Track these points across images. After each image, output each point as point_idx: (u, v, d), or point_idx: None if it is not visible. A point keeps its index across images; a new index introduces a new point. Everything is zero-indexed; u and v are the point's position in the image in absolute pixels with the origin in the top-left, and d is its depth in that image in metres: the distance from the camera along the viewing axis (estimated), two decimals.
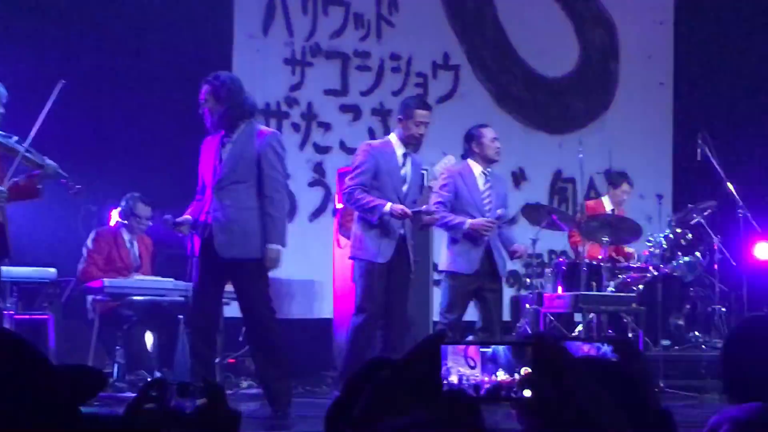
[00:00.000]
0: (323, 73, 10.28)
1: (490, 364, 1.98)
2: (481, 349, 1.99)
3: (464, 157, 7.75)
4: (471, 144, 7.70)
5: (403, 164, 7.06)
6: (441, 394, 1.91)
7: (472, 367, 1.97)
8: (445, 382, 1.95)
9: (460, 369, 1.98)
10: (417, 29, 10.63)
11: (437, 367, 1.91)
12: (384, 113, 10.28)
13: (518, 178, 11.06)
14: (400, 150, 7.07)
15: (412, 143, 7.08)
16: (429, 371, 1.90)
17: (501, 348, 1.98)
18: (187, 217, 6.43)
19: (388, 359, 2.35)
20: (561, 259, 9.43)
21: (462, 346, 2.00)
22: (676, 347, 9.35)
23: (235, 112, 6.37)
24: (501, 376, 1.97)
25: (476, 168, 7.62)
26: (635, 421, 2.08)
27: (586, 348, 2.67)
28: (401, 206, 6.85)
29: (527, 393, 1.90)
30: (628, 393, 2.28)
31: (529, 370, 1.91)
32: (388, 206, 6.82)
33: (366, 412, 2.01)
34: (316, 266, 9.47)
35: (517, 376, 1.94)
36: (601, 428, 1.85)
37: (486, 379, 1.97)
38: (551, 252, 10.34)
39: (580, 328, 8.45)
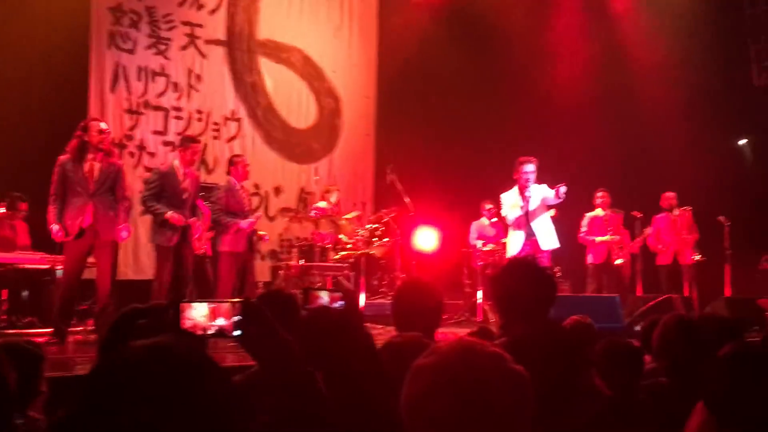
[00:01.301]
0: (151, 120, 9.80)
1: (212, 314, 1.83)
2: (209, 305, 1.83)
3: (229, 173, 7.70)
4: (230, 167, 7.74)
5: (183, 180, 6.90)
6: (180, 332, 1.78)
7: (203, 316, 1.82)
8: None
9: (194, 319, 1.83)
10: (213, 94, 10.45)
11: (177, 317, 1.80)
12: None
13: (278, 191, 11.03)
14: (180, 171, 6.92)
15: (192, 164, 6.99)
16: (173, 319, 1.80)
17: (225, 304, 1.82)
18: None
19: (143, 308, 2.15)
20: (302, 243, 9.12)
21: (195, 304, 1.82)
22: (373, 298, 9.43)
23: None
24: (221, 321, 1.83)
25: (237, 184, 7.48)
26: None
27: (323, 294, 2.60)
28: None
29: (237, 333, 1.79)
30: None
31: (239, 317, 1.78)
32: (169, 213, 6.69)
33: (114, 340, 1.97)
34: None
35: (231, 321, 1.82)
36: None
37: (211, 323, 1.82)
38: (297, 237, 9.89)
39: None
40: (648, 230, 10.01)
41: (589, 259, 9.84)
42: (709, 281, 9.82)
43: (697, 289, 9.64)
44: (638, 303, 8.05)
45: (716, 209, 10.09)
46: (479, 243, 9.98)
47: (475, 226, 10.41)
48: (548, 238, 7.70)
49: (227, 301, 1.82)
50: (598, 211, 9.86)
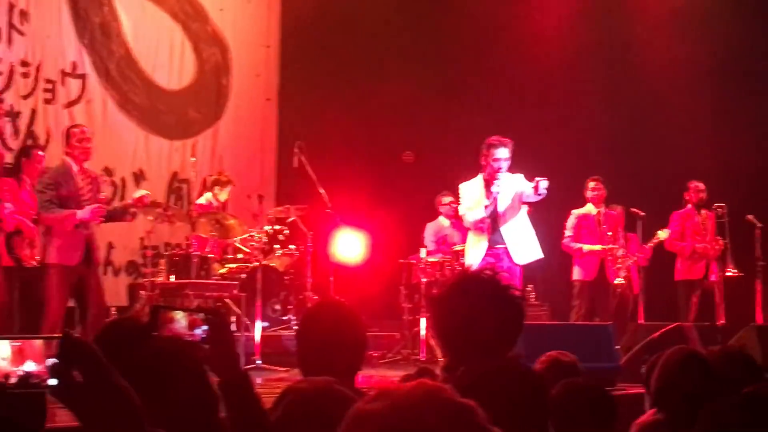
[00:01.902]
0: None
1: (19, 355, 1.81)
2: (11, 343, 1.79)
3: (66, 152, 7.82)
4: (66, 143, 7.78)
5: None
6: None
7: (4, 359, 1.77)
8: None
9: None
10: (46, 38, 10.22)
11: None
12: (14, 116, 9.79)
13: (138, 178, 10.92)
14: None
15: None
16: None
17: (37, 341, 1.82)
18: None
19: None
20: (175, 251, 9.36)
21: None
22: (273, 328, 9.71)
23: None
24: (30, 366, 1.83)
25: (74, 166, 7.66)
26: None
27: (179, 317, 2.62)
28: None
29: (53, 381, 1.78)
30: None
31: (55, 360, 1.78)
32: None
33: None
34: None
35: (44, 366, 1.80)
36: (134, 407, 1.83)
37: (16, 369, 1.82)
38: (167, 244, 10.27)
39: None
40: (662, 234, 10.09)
41: (576, 273, 9.82)
42: (736, 303, 9.92)
43: (725, 314, 9.78)
44: (642, 334, 8.01)
45: (744, 207, 10.21)
46: (423, 253, 10.01)
47: (430, 229, 10.57)
48: (525, 248, 7.85)
49: (39, 338, 2.01)
50: (590, 208, 9.85)
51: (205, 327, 2.59)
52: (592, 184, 9.84)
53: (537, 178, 7.49)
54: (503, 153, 7.73)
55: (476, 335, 2.67)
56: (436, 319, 2.85)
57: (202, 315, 2.64)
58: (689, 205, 10.22)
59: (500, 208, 7.81)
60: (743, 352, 3.84)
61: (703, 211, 10.17)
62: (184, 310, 2.66)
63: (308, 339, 3.06)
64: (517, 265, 7.84)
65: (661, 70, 11.83)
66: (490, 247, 7.80)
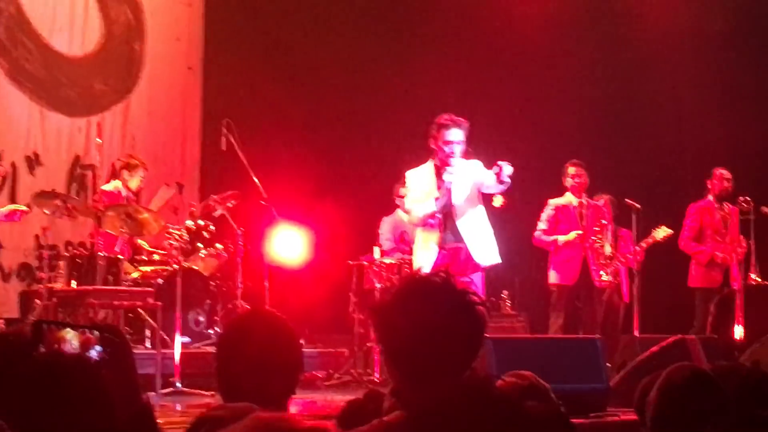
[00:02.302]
0: None
1: None
2: None
3: None
4: None
5: None
6: None
7: None
8: None
9: None
10: None
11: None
12: None
13: (32, 163, 10.88)
14: None
15: None
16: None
17: None
18: None
19: None
20: (77, 251, 9.35)
21: None
22: (196, 344, 9.68)
23: None
24: None
25: None
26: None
27: (69, 336, 2.59)
28: None
29: None
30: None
31: None
32: None
33: None
34: None
35: None
36: None
37: None
38: (68, 243, 10.25)
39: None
40: (660, 233, 10.17)
41: (553, 277, 9.93)
42: (759, 314, 10.02)
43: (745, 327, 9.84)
44: (637, 348, 8.11)
45: (763, 198, 10.30)
46: (376, 252, 10.09)
47: (386, 225, 10.64)
48: (486, 247, 7.85)
49: None
50: (570, 198, 9.95)
51: (99, 348, 2.58)
52: (572, 170, 9.93)
53: (499, 162, 7.49)
54: (456, 135, 7.73)
55: (427, 352, 2.66)
56: (379, 332, 2.82)
57: (96, 333, 2.62)
58: (710, 197, 10.30)
59: (455, 201, 7.81)
60: (756, 369, 3.86)
61: (725, 206, 10.26)
62: (74, 327, 2.64)
63: (230, 357, 3.04)
64: (477, 267, 7.85)
65: (661, 34, 11.94)
66: (443, 248, 7.83)
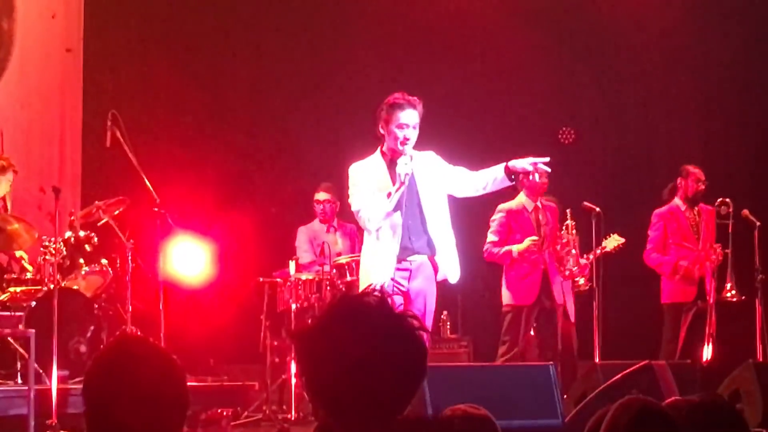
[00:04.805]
0: None
1: None
2: None
3: None
4: None
5: None
6: None
7: None
8: None
9: None
10: None
11: None
12: None
13: None
14: None
15: None
16: None
17: None
18: None
19: None
20: None
21: None
22: (77, 379, 9.59)
23: None
24: None
25: None
26: None
27: None
28: None
29: None
30: None
31: None
32: None
33: None
34: None
35: None
36: None
37: None
38: None
39: None
40: (611, 242, 10.28)
41: (506, 296, 10.00)
42: (735, 332, 10.13)
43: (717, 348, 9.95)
44: (598, 377, 8.18)
45: (742, 201, 10.46)
46: (292, 267, 10.06)
47: (304, 235, 10.78)
48: (454, 260, 7.76)
49: None
50: (522, 200, 10.04)
51: None
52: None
53: (538, 163, 7.50)
54: (411, 116, 7.53)
55: (358, 385, 2.70)
56: (303, 363, 2.85)
57: None
58: (677, 199, 10.43)
59: (422, 199, 7.62)
60: (724, 405, 3.90)
61: (697, 208, 10.39)
62: None
63: (99, 394, 3.05)
64: (437, 283, 7.71)
65: (631, 14, 12.15)
66: (404, 258, 7.60)
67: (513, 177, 7.54)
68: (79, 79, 12.19)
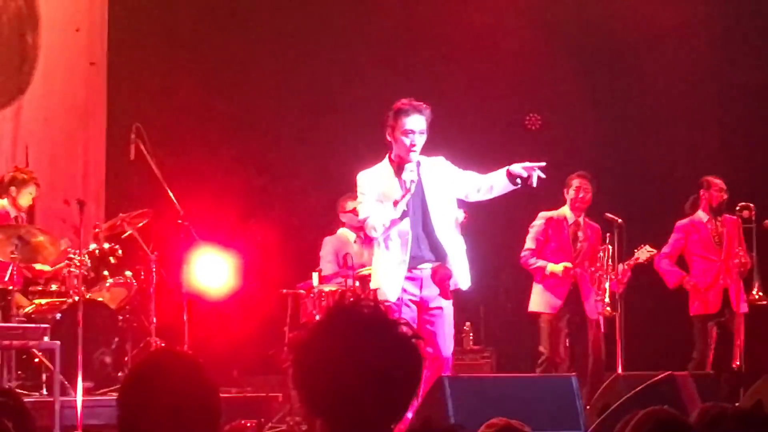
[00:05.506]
0: None
1: None
2: None
3: None
4: None
5: None
6: None
7: None
8: None
9: None
10: None
11: None
12: None
13: None
14: None
15: None
16: None
17: None
18: None
19: None
20: None
21: None
22: (102, 390, 9.53)
23: None
24: None
25: None
26: None
27: None
28: None
29: None
30: None
31: None
32: None
33: None
34: None
35: None
36: None
37: None
38: None
39: None
40: (643, 253, 10.21)
41: (536, 303, 9.97)
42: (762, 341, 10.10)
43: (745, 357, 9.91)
44: (621, 388, 8.15)
45: (763, 212, 10.37)
46: (315, 279, 10.04)
47: (329, 246, 10.62)
48: (465, 268, 7.68)
49: None
50: (565, 212, 10.07)
51: None
52: (576, 182, 10.03)
53: (526, 164, 7.40)
54: (418, 122, 7.48)
55: (354, 395, 2.68)
56: (298, 374, 2.82)
57: None
58: (700, 212, 10.35)
59: (430, 206, 7.54)
60: (757, 412, 3.86)
61: (720, 219, 10.31)
62: None
63: (135, 406, 3.05)
64: (448, 293, 7.61)
65: (643, 17, 12.08)
66: (414, 267, 7.52)
67: (518, 181, 7.44)
68: (103, 93, 12.19)
